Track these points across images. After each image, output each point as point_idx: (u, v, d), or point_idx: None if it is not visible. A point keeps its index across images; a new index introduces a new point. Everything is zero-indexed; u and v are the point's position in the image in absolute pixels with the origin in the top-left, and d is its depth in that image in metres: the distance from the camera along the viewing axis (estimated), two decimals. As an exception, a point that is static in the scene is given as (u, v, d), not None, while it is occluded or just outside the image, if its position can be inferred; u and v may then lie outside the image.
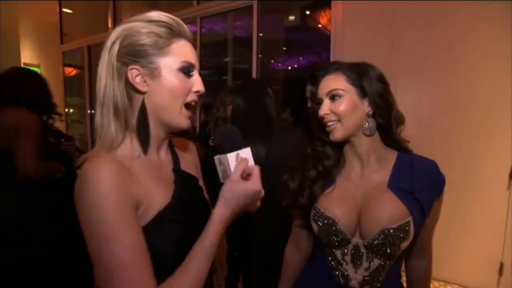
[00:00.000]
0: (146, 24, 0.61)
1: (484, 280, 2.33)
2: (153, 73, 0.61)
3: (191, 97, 0.65)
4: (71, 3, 5.58)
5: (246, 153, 0.67)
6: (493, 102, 2.20)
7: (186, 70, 0.63)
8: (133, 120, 0.63)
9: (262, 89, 1.53)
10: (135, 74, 0.61)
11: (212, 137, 1.78)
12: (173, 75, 0.62)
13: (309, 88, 1.76)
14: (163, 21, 0.62)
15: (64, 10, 5.61)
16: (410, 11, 2.42)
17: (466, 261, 2.39)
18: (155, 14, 0.63)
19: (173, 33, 0.63)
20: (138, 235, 0.55)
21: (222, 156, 0.66)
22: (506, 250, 2.24)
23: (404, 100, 2.47)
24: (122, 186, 0.55)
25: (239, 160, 0.65)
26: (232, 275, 2.00)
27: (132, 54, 0.60)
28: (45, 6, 5.66)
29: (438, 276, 2.47)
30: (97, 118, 0.63)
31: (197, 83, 0.65)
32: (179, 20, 0.65)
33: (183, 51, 0.63)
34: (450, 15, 2.29)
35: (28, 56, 6.23)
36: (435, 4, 2.31)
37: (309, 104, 1.70)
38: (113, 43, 0.61)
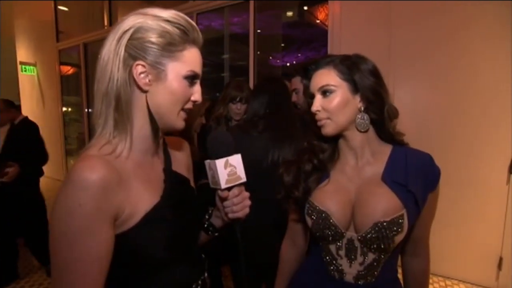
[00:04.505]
0: (162, 23, 0.60)
1: (483, 275, 2.33)
2: (159, 74, 0.60)
3: (189, 105, 0.66)
4: (67, 0, 5.54)
5: (235, 160, 0.67)
6: (492, 97, 2.19)
7: (190, 79, 0.63)
8: (132, 117, 0.62)
9: (285, 89, 1.51)
10: (140, 70, 0.59)
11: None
12: (177, 81, 0.62)
13: (294, 81, 1.73)
14: (180, 24, 0.61)
15: (60, 7, 5.57)
16: (408, 6, 2.41)
17: (465, 256, 2.39)
18: (172, 14, 0.61)
19: (187, 39, 0.62)
20: (99, 249, 0.54)
21: (211, 162, 0.66)
22: (505, 245, 2.23)
23: (403, 95, 2.47)
24: (102, 195, 0.53)
25: (228, 166, 0.66)
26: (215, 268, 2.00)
27: (142, 49, 0.59)
28: (41, 4, 5.63)
29: (437, 271, 2.47)
30: (97, 107, 0.61)
31: (197, 93, 0.66)
32: (195, 25, 0.64)
33: (192, 60, 0.63)
34: (448, 11, 2.28)
35: (24, 55, 6.20)
36: (433, -2, 2.30)
37: (293, 98, 1.67)
38: (124, 32, 0.59)
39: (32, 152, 2.58)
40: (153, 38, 0.59)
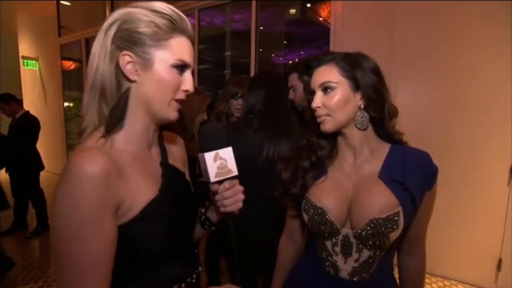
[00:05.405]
0: (148, 13, 0.60)
1: (483, 276, 2.32)
2: (145, 63, 0.60)
3: (180, 95, 0.64)
4: (69, -5, 5.54)
5: (226, 153, 0.66)
6: (493, 97, 2.18)
7: (179, 68, 0.62)
8: (125, 109, 0.62)
9: (282, 84, 1.47)
10: (126, 60, 0.59)
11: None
12: (165, 70, 0.61)
13: (291, 78, 1.71)
14: (166, 14, 0.61)
15: (62, 2, 5.58)
16: (410, 6, 2.40)
17: (465, 257, 2.38)
18: (160, 5, 0.61)
19: (174, 28, 0.61)
20: (105, 240, 0.54)
21: (201, 154, 0.66)
22: (505, 246, 2.23)
23: (404, 94, 2.46)
24: (104, 185, 0.53)
25: (218, 159, 0.65)
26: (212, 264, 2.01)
27: (128, 39, 0.59)
28: (43, -2, 5.61)
29: (436, 272, 2.47)
30: (85, 99, 0.61)
31: (187, 82, 0.64)
32: (183, 16, 0.63)
33: (180, 49, 0.62)
34: (449, 11, 2.27)
35: (26, 49, 6.21)
36: (435, -2, 2.28)
37: (290, 95, 1.65)
38: (111, 25, 0.60)
39: (33, 145, 2.57)
40: (139, 28, 0.59)
